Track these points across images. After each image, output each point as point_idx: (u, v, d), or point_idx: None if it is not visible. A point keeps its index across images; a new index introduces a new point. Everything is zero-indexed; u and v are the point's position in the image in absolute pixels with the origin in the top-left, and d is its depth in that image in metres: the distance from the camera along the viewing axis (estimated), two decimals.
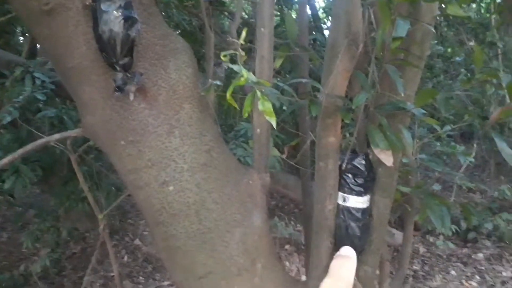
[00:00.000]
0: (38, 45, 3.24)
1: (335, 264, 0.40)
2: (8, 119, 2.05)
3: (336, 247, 1.12)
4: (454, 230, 3.52)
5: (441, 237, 3.82)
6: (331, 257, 1.11)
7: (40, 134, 1.97)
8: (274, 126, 0.78)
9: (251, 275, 1.01)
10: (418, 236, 3.95)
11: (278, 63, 1.22)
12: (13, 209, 4.24)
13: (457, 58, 3.78)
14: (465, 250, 3.68)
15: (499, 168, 5.02)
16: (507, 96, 0.93)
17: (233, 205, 0.99)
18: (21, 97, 2.07)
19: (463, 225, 3.70)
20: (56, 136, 1.01)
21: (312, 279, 1.14)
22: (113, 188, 3.19)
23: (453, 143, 2.88)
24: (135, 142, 0.90)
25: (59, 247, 3.46)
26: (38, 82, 2.20)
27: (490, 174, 4.96)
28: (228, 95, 0.75)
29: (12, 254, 3.60)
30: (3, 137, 2.39)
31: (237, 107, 0.85)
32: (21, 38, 3.96)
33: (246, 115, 0.78)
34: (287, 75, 3.43)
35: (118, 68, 0.82)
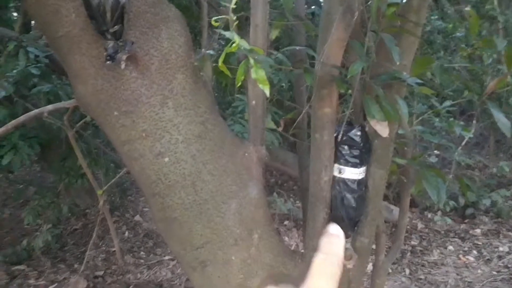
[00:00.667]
0: (32, 20, 3.19)
1: (325, 241, 0.41)
2: (3, 94, 2.03)
3: (331, 218, 1.13)
4: (452, 206, 3.55)
5: (439, 213, 3.85)
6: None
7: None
8: (268, 94, 0.77)
9: (247, 245, 1.01)
10: (416, 212, 3.99)
11: (274, 34, 1.20)
12: (14, 187, 4.29)
13: (458, 34, 3.73)
14: (463, 226, 3.72)
15: (498, 146, 5.02)
16: (504, 68, 0.92)
17: (228, 177, 0.99)
18: (14, 71, 2.05)
19: (461, 201, 3.73)
20: (50, 107, 1.00)
21: (309, 249, 1.15)
22: (112, 164, 3.20)
23: (452, 119, 2.87)
24: (128, 112, 0.89)
25: (60, 223, 3.50)
26: (32, 56, 2.17)
27: (489, 151, 4.97)
28: (220, 61, 0.74)
29: (14, 230, 3.65)
30: None
31: (230, 75, 0.83)
32: (15, 14, 3.89)
33: (239, 84, 0.77)
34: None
35: (109, 36, 0.80)
